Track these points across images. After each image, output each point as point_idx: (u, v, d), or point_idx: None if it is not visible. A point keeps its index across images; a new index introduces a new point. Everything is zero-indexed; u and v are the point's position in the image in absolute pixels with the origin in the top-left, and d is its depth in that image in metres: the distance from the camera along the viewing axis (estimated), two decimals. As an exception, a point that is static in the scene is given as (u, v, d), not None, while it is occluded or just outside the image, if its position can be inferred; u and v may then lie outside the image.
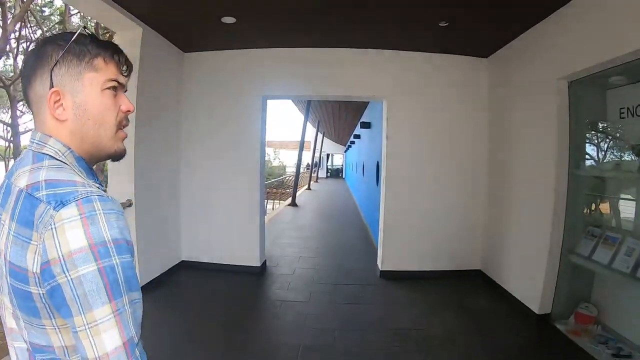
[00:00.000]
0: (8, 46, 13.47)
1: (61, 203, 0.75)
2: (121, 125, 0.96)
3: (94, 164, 0.98)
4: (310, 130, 22.53)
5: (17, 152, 14.05)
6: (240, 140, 5.40)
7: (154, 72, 4.62)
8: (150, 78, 4.50)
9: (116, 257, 0.75)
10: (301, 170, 15.77)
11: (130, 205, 4.29)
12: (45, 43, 0.88)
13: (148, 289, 4.48)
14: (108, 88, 0.91)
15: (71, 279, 0.72)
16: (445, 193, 5.32)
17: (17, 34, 13.36)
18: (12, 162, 14.87)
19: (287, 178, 20.24)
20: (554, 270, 3.73)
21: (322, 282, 5.21)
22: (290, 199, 14.35)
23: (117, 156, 0.97)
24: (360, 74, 5.28)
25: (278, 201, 15.55)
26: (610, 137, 3.68)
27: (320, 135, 25.91)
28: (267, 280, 5.28)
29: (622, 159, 3.52)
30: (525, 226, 4.26)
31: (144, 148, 4.41)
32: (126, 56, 0.96)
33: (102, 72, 0.90)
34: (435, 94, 5.25)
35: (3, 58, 14.13)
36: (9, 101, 14.10)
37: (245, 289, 4.94)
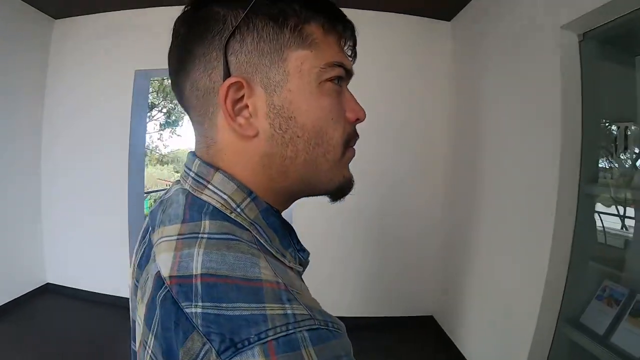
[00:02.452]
0: None
1: (233, 346, 0.37)
2: (349, 142, 0.58)
3: (292, 203, 0.62)
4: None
5: None
6: (107, 131, 3.97)
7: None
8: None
9: None
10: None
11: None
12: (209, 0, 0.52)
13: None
14: (331, 79, 0.54)
15: None
16: (386, 207, 3.84)
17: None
18: None
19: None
20: (543, 349, 2.29)
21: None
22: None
23: (341, 192, 0.60)
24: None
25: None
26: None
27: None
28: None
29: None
30: (501, 268, 2.77)
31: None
32: (353, 26, 0.58)
33: (321, 50, 0.53)
34: (381, 67, 3.77)
35: None
36: None
37: (119, 328, 3.56)
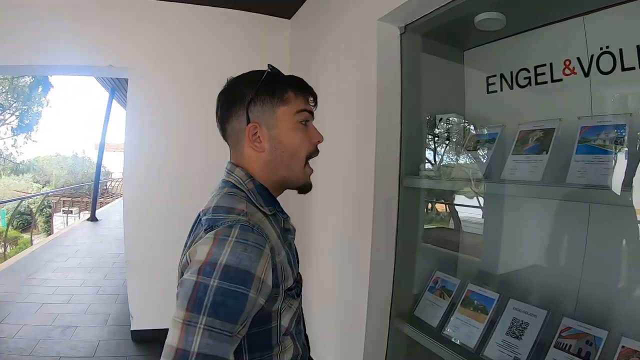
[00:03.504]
0: None
1: (210, 227, 0.89)
2: (311, 156, 1.07)
3: (282, 191, 1.10)
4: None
5: None
6: None
7: None
8: None
9: (216, 280, 0.80)
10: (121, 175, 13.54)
11: None
12: (236, 83, 1.06)
13: None
14: (300, 121, 1.03)
15: (182, 279, 0.84)
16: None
17: None
18: None
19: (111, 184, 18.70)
20: (380, 346, 2.22)
21: (39, 355, 3.30)
22: (90, 212, 11.70)
23: (305, 188, 1.10)
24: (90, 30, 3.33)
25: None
26: (471, 124, 2.30)
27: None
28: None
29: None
30: (334, 268, 2.70)
31: None
32: (311, 87, 1.08)
33: (292, 104, 1.02)
34: (220, 66, 3.53)
35: None
36: None
37: None
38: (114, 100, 10.98)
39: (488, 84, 2.21)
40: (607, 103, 1.72)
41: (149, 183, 3.50)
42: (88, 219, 11.36)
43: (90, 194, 13.08)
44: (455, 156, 2.19)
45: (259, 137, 1.00)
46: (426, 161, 2.34)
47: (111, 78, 8.69)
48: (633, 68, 1.59)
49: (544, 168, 1.63)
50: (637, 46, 1.57)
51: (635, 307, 1.54)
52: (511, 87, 2.10)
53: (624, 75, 1.62)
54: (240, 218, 0.88)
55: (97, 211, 11.66)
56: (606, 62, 1.69)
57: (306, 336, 1.20)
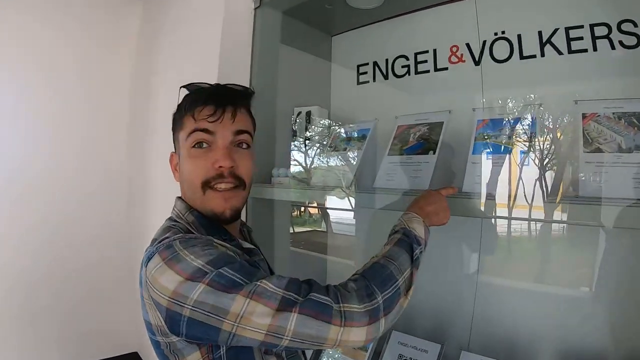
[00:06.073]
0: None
1: (147, 259, 0.73)
2: (209, 182, 0.82)
3: (222, 221, 0.86)
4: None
5: None
6: None
7: None
8: None
9: (215, 270, 0.68)
10: None
11: None
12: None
13: None
14: (193, 145, 0.82)
15: (192, 305, 0.66)
16: (59, 234, 2.86)
17: None
18: None
19: None
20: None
21: None
22: None
23: (216, 217, 0.84)
24: None
25: None
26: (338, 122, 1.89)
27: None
28: None
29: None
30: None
31: None
32: (218, 97, 0.82)
33: (187, 126, 0.82)
34: (58, 45, 2.84)
35: None
36: None
37: None
38: None
39: (359, 74, 1.88)
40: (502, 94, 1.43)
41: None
42: None
43: None
44: (326, 158, 1.75)
45: (175, 165, 0.89)
46: (295, 164, 1.92)
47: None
48: (534, 56, 1.35)
49: (431, 172, 1.25)
50: (539, 32, 1.34)
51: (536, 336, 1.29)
52: (386, 77, 1.79)
53: (523, 63, 1.38)
54: (175, 236, 0.74)
55: None
56: (501, 49, 1.43)
57: None
